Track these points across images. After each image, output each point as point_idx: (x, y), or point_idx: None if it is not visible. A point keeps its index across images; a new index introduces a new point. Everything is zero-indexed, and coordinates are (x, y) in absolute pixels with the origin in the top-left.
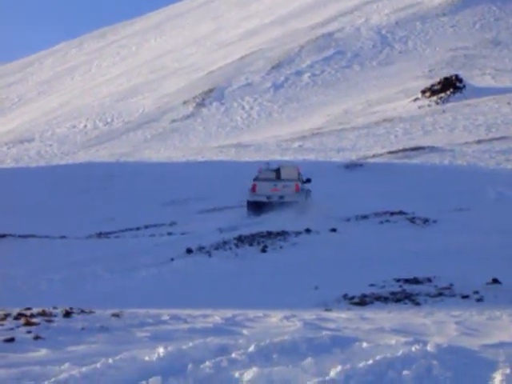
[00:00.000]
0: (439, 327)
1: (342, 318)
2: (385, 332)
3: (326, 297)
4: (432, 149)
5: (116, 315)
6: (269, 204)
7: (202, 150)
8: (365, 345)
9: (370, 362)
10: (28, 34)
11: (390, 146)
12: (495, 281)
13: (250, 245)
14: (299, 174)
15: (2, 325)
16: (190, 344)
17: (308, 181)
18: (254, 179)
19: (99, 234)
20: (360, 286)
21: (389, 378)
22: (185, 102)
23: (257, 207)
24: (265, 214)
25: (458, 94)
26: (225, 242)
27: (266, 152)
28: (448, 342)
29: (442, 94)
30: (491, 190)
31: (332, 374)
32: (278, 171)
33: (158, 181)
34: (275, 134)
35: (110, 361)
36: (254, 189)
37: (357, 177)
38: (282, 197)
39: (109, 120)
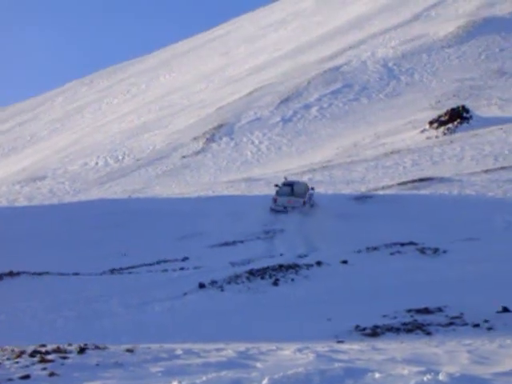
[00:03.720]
0: (451, 356)
1: (355, 349)
2: (397, 362)
3: (338, 328)
4: (441, 179)
5: (130, 350)
6: (285, 211)
7: (212, 185)
8: (377, 375)
9: None
10: (38, 74)
11: (399, 177)
12: (505, 309)
13: (262, 278)
14: (306, 188)
15: (18, 362)
16: (204, 378)
17: (312, 189)
18: (276, 193)
19: (112, 270)
20: (372, 317)
21: None
22: (195, 138)
23: (277, 212)
24: (282, 215)
25: (465, 125)
26: (237, 276)
27: None
28: (460, 371)
29: (450, 125)
30: (500, 219)
31: None
32: (292, 186)
33: (170, 216)
34: (285, 168)
35: None
36: (275, 201)
37: (366, 209)
38: (293, 207)
39: (120, 157)
